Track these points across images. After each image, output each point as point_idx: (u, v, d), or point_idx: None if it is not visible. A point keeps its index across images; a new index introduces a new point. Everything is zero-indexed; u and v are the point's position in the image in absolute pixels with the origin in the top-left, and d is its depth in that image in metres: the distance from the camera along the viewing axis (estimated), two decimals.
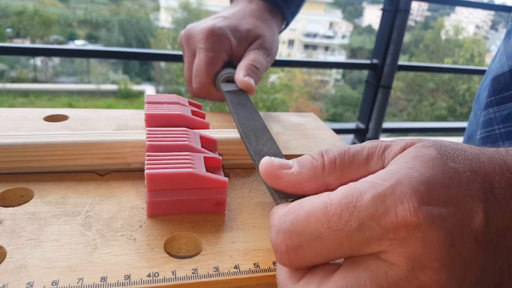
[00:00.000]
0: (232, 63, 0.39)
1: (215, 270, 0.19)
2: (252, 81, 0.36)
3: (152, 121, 0.29)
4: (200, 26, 0.39)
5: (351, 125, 1.40)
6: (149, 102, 0.32)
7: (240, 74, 0.36)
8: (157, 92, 10.07)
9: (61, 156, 0.26)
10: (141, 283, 0.18)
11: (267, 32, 0.41)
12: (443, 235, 0.14)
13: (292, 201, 0.17)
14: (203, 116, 0.32)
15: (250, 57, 0.38)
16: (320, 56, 15.15)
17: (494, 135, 0.36)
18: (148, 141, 0.25)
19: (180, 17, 12.57)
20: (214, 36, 0.37)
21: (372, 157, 0.17)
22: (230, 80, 0.37)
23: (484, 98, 0.39)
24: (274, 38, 0.41)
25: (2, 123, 0.33)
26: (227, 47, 0.38)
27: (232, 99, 0.33)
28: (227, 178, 0.23)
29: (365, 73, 1.37)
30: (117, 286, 0.18)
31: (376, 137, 1.33)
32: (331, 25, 17.00)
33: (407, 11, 1.18)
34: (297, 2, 0.45)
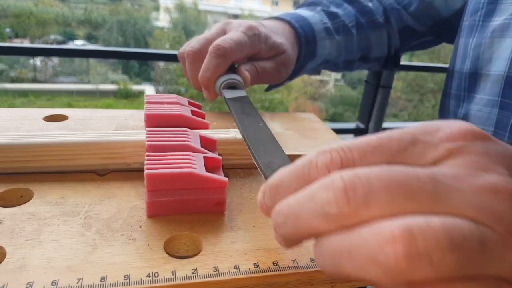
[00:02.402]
0: (235, 71, 0.38)
1: (215, 270, 0.19)
2: (249, 75, 0.37)
3: (152, 121, 0.29)
4: (240, 21, 0.40)
5: (351, 125, 1.40)
6: (149, 102, 0.32)
7: (242, 67, 0.38)
8: (157, 92, 10.07)
9: (61, 156, 0.26)
10: (141, 283, 0.18)
11: (291, 53, 0.42)
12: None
13: None
14: (203, 116, 0.32)
15: (262, 63, 0.39)
16: None
17: None
18: (148, 141, 0.25)
19: (177, 18, 12.58)
20: (254, 30, 0.38)
21: None
22: (233, 86, 0.36)
23: None
24: (293, 61, 0.43)
25: (1, 123, 0.32)
26: (255, 48, 0.38)
27: (235, 108, 0.31)
28: (227, 178, 0.23)
29: (365, 72, 1.37)
30: (117, 286, 0.18)
31: None
32: None
33: None
34: (306, 58, 0.46)
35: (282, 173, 0.17)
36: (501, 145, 0.16)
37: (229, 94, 0.34)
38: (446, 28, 0.50)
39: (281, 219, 0.16)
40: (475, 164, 0.15)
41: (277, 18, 0.46)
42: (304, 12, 0.47)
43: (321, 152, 0.16)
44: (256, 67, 0.39)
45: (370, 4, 0.52)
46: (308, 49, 0.45)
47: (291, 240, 0.16)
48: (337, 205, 0.14)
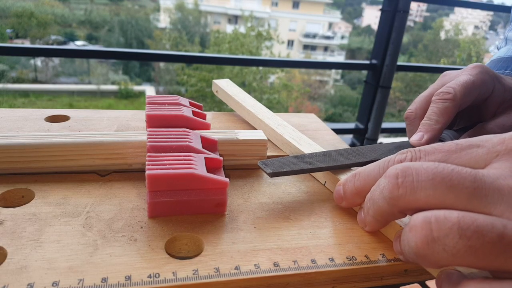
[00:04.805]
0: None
1: (216, 271, 0.19)
2: None
3: (153, 121, 0.29)
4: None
5: (350, 125, 1.40)
6: (150, 103, 0.32)
7: None
8: (157, 92, 10.07)
9: (62, 157, 0.26)
10: (142, 284, 0.18)
11: None
12: None
13: None
14: (204, 117, 0.32)
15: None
16: (319, 56, 15.16)
17: None
18: (149, 141, 0.25)
19: (177, 18, 12.57)
20: (483, 68, 0.30)
21: None
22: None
23: None
24: None
25: (3, 123, 0.33)
26: (488, 90, 0.30)
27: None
28: (228, 179, 0.23)
29: (364, 73, 1.37)
30: (118, 287, 0.18)
31: (375, 137, 1.33)
32: (330, 25, 17.02)
33: (406, 11, 1.18)
34: None
35: (370, 165, 0.21)
36: None
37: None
38: None
39: (367, 205, 0.20)
40: None
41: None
42: None
43: (400, 152, 0.20)
44: None
45: None
46: None
47: (379, 223, 0.20)
48: (389, 189, 0.17)
